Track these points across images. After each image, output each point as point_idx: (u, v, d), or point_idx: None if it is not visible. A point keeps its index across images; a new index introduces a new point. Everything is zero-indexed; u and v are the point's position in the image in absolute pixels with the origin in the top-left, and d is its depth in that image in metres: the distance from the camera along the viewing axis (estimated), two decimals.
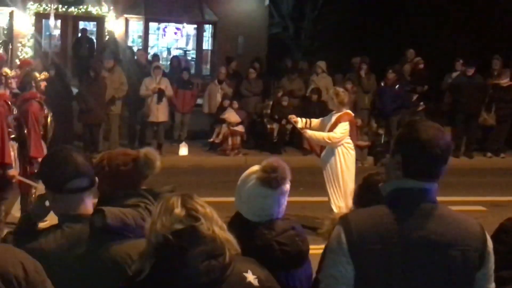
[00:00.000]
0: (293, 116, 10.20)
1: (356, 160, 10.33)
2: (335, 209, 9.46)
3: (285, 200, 3.78)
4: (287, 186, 3.76)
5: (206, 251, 2.76)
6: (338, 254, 2.88)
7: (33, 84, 9.08)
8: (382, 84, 16.47)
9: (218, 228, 2.82)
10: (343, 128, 9.66)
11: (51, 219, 3.38)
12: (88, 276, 3.11)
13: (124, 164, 3.64)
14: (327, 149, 9.92)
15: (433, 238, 2.87)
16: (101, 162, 3.65)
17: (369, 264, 2.85)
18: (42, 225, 3.43)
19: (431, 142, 2.90)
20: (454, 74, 17.03)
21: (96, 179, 3.33)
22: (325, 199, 9.88)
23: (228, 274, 2.80)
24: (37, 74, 9.24)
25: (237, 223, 3.64)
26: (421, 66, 17.63)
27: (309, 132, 9.74)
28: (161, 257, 2.76)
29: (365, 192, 3.90)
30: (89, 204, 3.26)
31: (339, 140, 9.63)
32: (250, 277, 2.89)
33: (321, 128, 9.86)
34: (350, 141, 9.80)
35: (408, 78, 17.14)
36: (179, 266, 2.72)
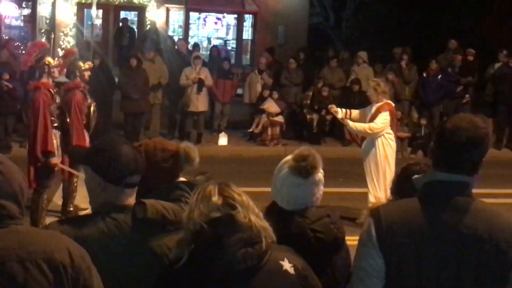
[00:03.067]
0: (333, 106, 10.19)
1: (397, 151, 10.27)
2: (372, 200, 9.42)
3: (319, 189, 3.77)
4: (319, 175, 3.75)
5: (243, 238, 2.77)
6: (368, 247, 2.90)
7: (77, 74, 9.17)
8: (424, 74, 16.32)
9: (255, 216, 2.83)
10: (384, 118, 9.60)
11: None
12: (127, 266, 3.14)
13: (163, 161, 3.69)
14: (367, 140, 9.86)
15: (465, 232, 2.82)
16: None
17: (399, 257, 2.85)
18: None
19: (451, 132, 2.88)
20: (497, 65, 16.80)
21: None
22: (365, 190, 9.83)
23: (265, 262, 2.81)
24: (81, 64, 9.32)
25: (272, 212, 3.65)
26: (471, 58, 17.31)
27: (351, 123, 9.67)
28: (198, 244, 2.78)
29: (402, 181, 3.90)
30: (133, 197, 3.30)
31: (380, 130, 9.57)
32: (287, 265, 2.90)
33: (361, 119, 9.82)
34: (391, 131, 9.73)
35: (457, 69, 16.89)
36: (216, 253, 2.74)
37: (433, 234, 2.84)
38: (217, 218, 2.76)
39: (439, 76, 16.17)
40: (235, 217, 2.77)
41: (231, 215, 2.77)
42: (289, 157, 3.78)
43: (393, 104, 10.06)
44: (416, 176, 3.12)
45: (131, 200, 3.28)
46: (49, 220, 8.54)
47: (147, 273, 3.16)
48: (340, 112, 9.88)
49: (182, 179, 3.75)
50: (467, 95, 16.63)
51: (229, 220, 2.76)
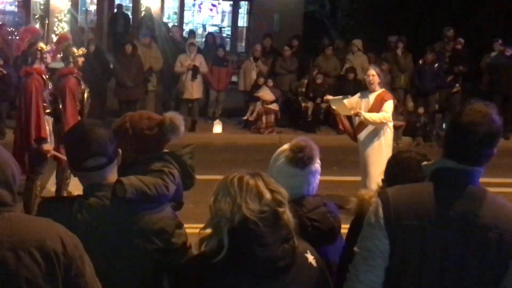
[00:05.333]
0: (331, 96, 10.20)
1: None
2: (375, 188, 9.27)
3: (315, 179, 3.77)
4: (316, 166, 3.75)
5: (282, 235, 2.80)
6: (374, 228, 2.94)
7: (71, 60, 9.13)
8: (421, 62, 16.29)
9: (289, 212, 2.86)
10: (391, 106, 9.57)
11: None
12: (113, 243, 3.14)
13: (149, 129, 3.64)
14: (369, 130, 9.73)
15: (471, 219, 2.87)
16: (124, 124, 3.65)
17: (405, 239, 2.89)
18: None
19: (469, 127, 2.89)
20: (493, 54, 16.79)
21: (119, 151, 3.32)
22: (359, 178, 9.81)
23: (297, 257, 2.86)
24: (75, 50, 9.27)
25: None
26: (459, 47, 17.30)
27: (366, 115, 9.52)
28: (240, 239, 2.77)
29: (392, 168, 3.90)
30: (111, 176, 3.26)
31: (390, 119, 9.56)
32: (310, 257, 2.96)
33: (352, 108, 9.76)
34: (391, 120, 9.73)
35: (446, 59, 16.88)
36: (257, 249, 2.75)
37: (441, 219, 2.88)
38: (265, 216, 2.75)
39: (436, 65, 16.15)
40: (280, 214, 2.80)
41: (278, 213, 2.79)
42: (286, 147, 3.76)
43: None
44: (425, 163, 3.15)
45: (112, 179, 3.24)
46: None
47: (134, 248, 3.17)
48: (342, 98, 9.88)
49: (166, 151, 3.72)
50: (457, 85, 16.59)
51: (275, 218, 2.79)
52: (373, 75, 9.68)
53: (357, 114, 9.67)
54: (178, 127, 3.69)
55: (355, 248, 3.02)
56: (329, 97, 10.43)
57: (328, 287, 3.08)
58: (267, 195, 2.79)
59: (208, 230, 2.87)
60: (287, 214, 2.83)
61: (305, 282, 2.89)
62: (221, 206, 2.80)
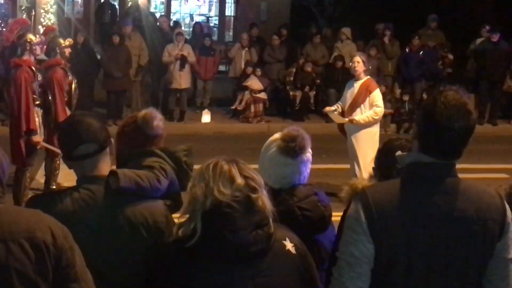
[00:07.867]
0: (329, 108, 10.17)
1: (380, 127, 10.22)
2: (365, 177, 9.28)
3: (307, 168, 3.78)
4: (308, 155, 3.75)
5: (255, 221, 2.81)
6: (357, 233, 2.84)
7: (58, 51, 9.10)
8: (407, 50, 16.32)
9: (266, 198, 2.86)
10: (380, 97, 9.56)
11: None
12: (104, 237, 3.15)
13: (126, 125, 3.85)
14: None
15: (455, 215, 2.82)
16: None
17: (389, 241, 2.82)
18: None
19: (445, 124, 2.79)
20: (479, 41, 16.82)
21: (111, 139, 3.37)
22: (348, 166, 9.83)
23: (272, 243, 2.85)
24: (61, 41, 9.25)
25: None
26: (450, 58, 17.15)
27: (360, 119, 9.49)
28: (211, 223, 2.79)
29: (384, 157, 3.90)
30: (104, 166, 3.28)
31: (383, 111, 9.55)
32: (289, 244, 2.94)
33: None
34: (383, 110, 9.72)
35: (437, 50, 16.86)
36: (229, 235, 2.76)
37: (424, 216, 2.82)
38: (237, 200, 2.77)
39: (421, 52, 16.20)
40: (253, 200, 2.80)
41: (251, 198, 2.80)
42: (277, 136, 3.77)
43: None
44: (399, 153, 3.09)
45: (103, 170, 3.27)
46: None
47: (125, 243, 3.18)
48: (337, 109, 9.83)
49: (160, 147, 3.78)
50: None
51: (248, 203, 2.79)
52: (358, 62, 9.63)
53: (351, 122, 9.61)
54: (149, 121, 3.81)
55: (337, 253, 2.93)
56: (327, 109, 10.34)
57: (310, 275, 3.04)
58: (239, 180, 2.80)
59: (186, 217, 2.90)
60: (262, 200, 2.83)
61: (281, 268, 2.88)
62: (196, 190, 2.84)
